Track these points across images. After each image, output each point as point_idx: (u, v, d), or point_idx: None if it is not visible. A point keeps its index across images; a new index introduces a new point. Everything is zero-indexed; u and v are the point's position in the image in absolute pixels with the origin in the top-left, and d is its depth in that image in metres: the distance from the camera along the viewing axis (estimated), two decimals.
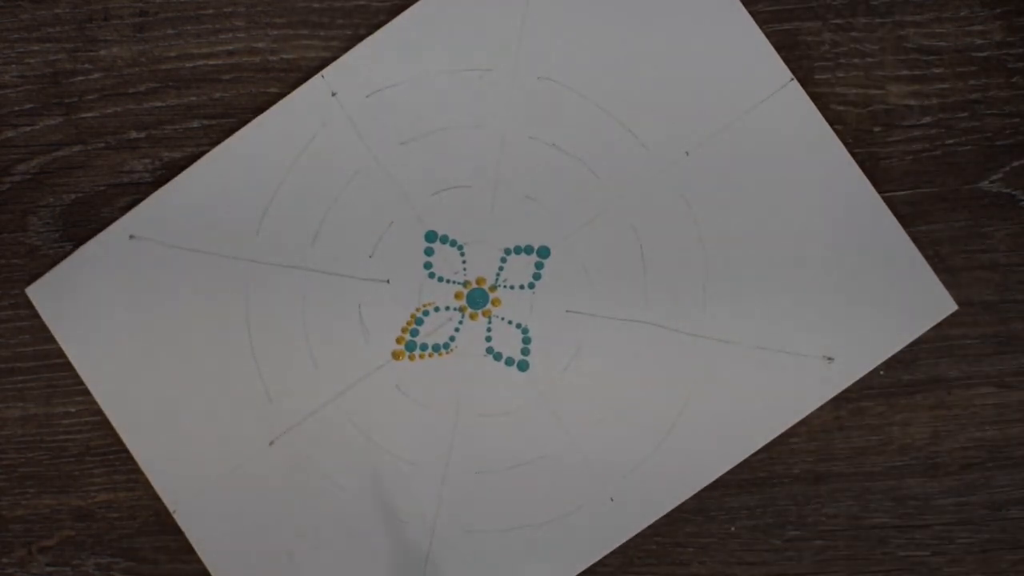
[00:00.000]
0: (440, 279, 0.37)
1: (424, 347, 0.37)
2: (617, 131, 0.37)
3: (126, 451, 0.38)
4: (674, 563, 0.38)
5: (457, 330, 0.38)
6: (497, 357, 0.38)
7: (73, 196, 0.38)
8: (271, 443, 0.37)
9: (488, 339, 0.37)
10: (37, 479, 0.39)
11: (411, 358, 0.37)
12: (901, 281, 0.37)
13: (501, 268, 0.38)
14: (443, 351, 0.37)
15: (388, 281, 0.37)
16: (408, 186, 0.37)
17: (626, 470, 0.37)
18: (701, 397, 0.37)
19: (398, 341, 0.37)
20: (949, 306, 0.37)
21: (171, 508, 0.37)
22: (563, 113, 0.37)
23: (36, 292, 0.37)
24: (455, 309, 0.38)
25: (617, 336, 0.37)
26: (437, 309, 0.38)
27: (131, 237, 0.37)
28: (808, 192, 0.37)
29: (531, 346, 0.37)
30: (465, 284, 0.38)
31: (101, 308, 0.37)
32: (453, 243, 0.37)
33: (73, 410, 0.38)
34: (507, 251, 0.37)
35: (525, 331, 0.37)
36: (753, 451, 0.37)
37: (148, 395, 0.37)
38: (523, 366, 0.37)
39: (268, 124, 0.37)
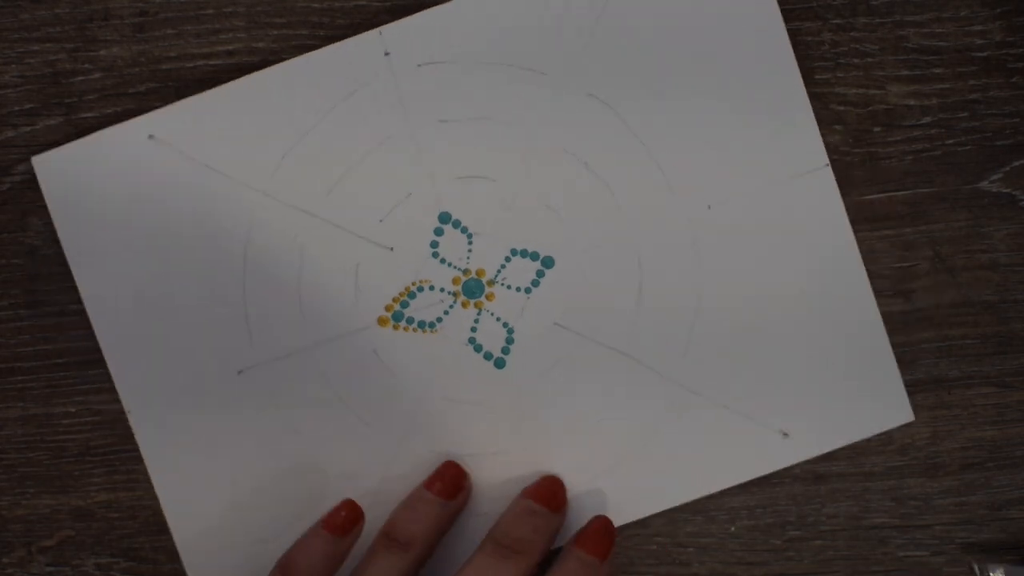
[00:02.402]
0: (443, 260, 0.38)
1: (411, 320, 0.38)
2: (649, 166, 0.37)
3: (126, 451, 0.38)
4: (674, 563, 0.38)
5: (446, 313, 0.38)
6: (478, 349, 0.38)
7: None
8: (239, 372, 0.37)
9: (474, 329, 0.38)
10: (37, 479, 0.39)
11: (395, 327, 0.38)
12: (870, 382, 0.37)
13: (503, 266, 0.38)
14: (428, 329, 0.38)
15: (392, 249, 0.37)
16: (436, 164, 0.37)
17: (570, 491, 0.38)
18: (655, 437, 0.37)
19: (387, 308, 0.38)
20: (906, 416, 0.38)
21: (126, 408, 0.37)
22: (602, 135, 0.37)
23: (41, 163, 0.37)
24: (449, 293, 0.38)
25: (595, 360, 0.38)
26: (432, 288, 0.38)
27: (150, 137, 0.37)
28: (810, 275, 0.37)
29: (513, 347, 0.38)
30: (465, 272, 0.38)
31: (103, 197, 0.37)
32: (464, 230, 0.38)
33: (73, 410, 0.38)
34: (513, 251, 0.38)
35: (511, 331, 0.38)
36: (689, 500, 0.38)
37: (129, 291, 0.37)
38: (500, 363, 0.38)
39: (313, 64, 0.37)
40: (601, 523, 0.37)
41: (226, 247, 0.37)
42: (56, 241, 0.38)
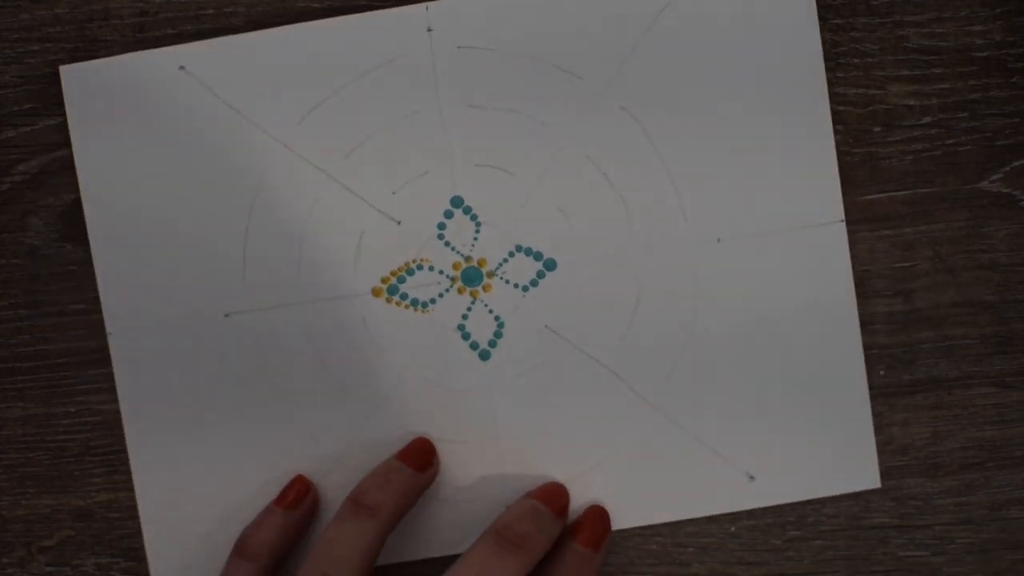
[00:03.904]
0: (447, 243, 0.38)
1: (404, 296, 0.38)
2: (667, 189, 0.37)
3: (126, 451, 0.38)
4: (674, 563, 0.38)
5: (441, 296, 0.38)
6: (465, 337, 0.38)
7: (73, 196, 0.38)
8: (227, 315, 0.37)
9: (465, 317, 0.38)
10: (37, 479, 0.39)
11: (388, 300, 0.38)
12: (844, 443, 0.38)
13: (506, 260, 0.38)
14: (420, 308, 0.38)
15: (399, 223, 0.37)
16: (457, 147, 0.37)
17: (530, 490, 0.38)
18: (622, 457, 0.38)
19: (383, 280, 0.38)
20: (874, 482, 0.38)
21: (108, 330, 0.37)
22: (627, 149, 0.37)
23: (68, 72, 0.37)
24: (448, 276, 0.38)
25: (578, 370, 0.38)
26: (432, 269, 0.38)
27: (181, 68, 0.37)
28: (804, 327, 0.37)
29: (500, 341, 0.38)
30: (467, 259, 0.38)
31: (123, 116, 0.37)
32: (473, 217, 0.38)
33: (73, 410, 0.38)
34: (518, 247, 0.38)
35: (501, 325, 0.38)
36: (645, 524, 0.38)
37: (131, 212, 0.37)
38: (485, 355, 0.38)
39: (355, 26, 0.37)
40: (594, 513, 0.37)
41: (236, 189, 0.37)
42: (56, 241, 0.38)
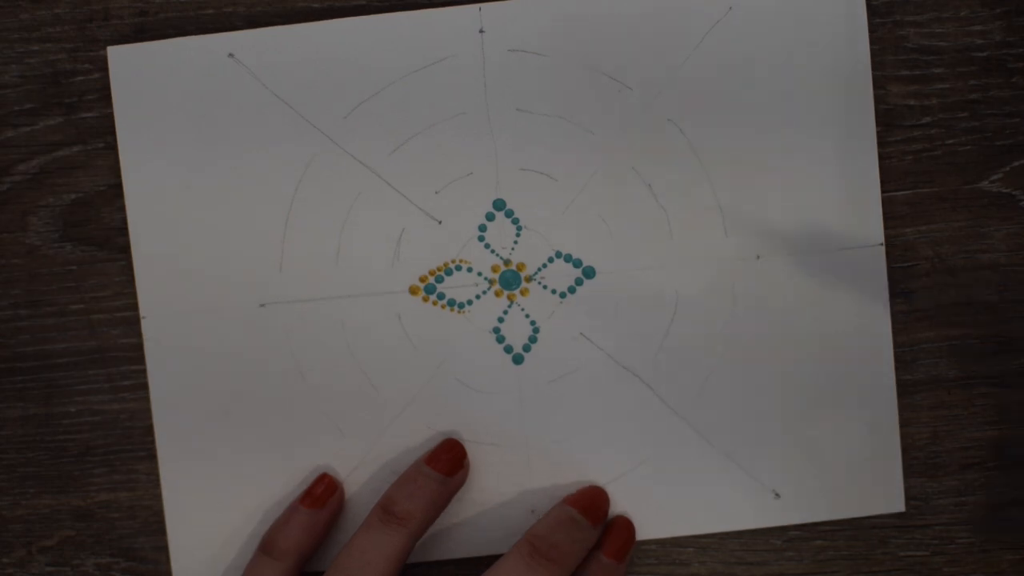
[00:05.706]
0: (487, 246, 0.38)
1: (441, 296, 0.38)
2: (710, 204, 0.37)
3: (126, 451, 0.38)
4: (674, 563, 0.38)
5: (478, 297, 0.38)
6: (500, 339, 0.38)
7: (73, 196, 0.38)
8: (262, 305, 0.37)
9: (501, 320, 0.38)
10: (37, 479, 0.39)
11: (425, 299, 0.38)
12: (871, 467, 0.38)
13: (544, 265, 0.38)
14: (456, 309, 0.38)
15: (440, 223, 0.37)
16: (502, 151, 0.37)
17: (559, 495, 0.38)
18: (650, 467, 0.38)
19: (421, 279, 0.38)
20: (899, 506, 0.38)
21: (143, 314, 0.37)
22: (671, 162, 0.37)
23: (116, 53, 0.37)
24: (486, 279, 0.38)
25: (611, 379, 0.38)
26: (470, 270, 0.38)
27: (230, 55, 0.37)
28: (837, 350, 0.37)
29: (535, 346, 0.38)
30: (506, 262, 0.38)
31: (169, 101, 0.37)
32: (515, 221, 0.38)
33: (73, 410, 0.38)
34: (558, 254, 0.38)
35: (536, 330, 0.38)
36: (669, 536, 0.38)
37: (171, 199, 0.37)
38: (518, 359, 0.38)
39: (408, 23, 0.37)
40: (621, 524, 0.37)
41: (278, 180, 0.37)
42: (56, 241, 0.38)
